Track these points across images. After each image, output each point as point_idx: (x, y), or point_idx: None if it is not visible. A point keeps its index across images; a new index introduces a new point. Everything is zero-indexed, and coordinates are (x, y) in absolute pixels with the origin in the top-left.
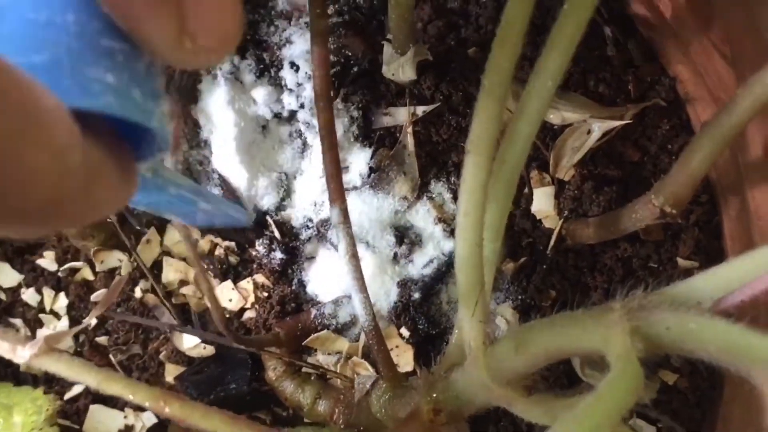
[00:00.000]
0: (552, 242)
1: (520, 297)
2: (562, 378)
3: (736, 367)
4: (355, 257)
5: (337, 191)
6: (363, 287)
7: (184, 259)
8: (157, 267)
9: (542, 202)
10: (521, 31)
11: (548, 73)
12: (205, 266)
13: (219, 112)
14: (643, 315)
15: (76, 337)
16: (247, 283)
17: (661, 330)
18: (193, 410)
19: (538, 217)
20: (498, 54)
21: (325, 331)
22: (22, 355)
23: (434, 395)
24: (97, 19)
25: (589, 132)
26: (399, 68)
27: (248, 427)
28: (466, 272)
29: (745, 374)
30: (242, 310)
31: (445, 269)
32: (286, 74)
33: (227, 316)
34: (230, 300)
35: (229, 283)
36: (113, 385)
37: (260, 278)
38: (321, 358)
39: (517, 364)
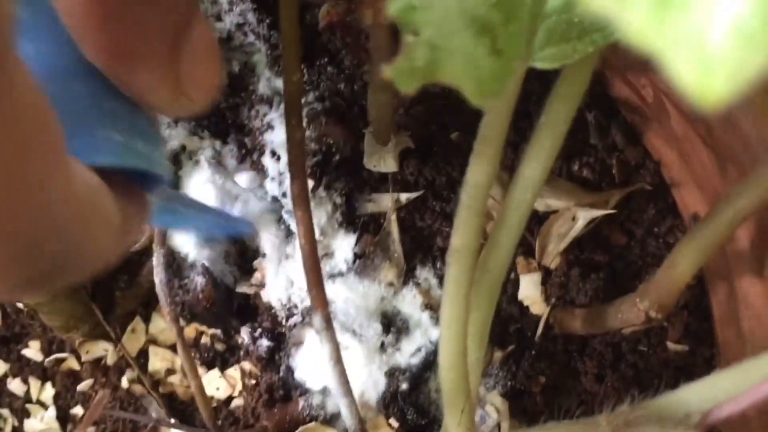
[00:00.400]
0: (540, 330)
1: (509, 383)
2: None
3: None
4: (339, 363)
5: (319, 298)
6: (348, 392)
7: (170, 347)
8: (143, 356)
9: (529, 289)
10: (498, 146)
11: (528, 184)
12: (193, 355)
13: (200, 198)
14: None
15: (63, 428)
16: (234, 371)
17: None
18: None
19: (525, 304)
20: (475, 170)
21: (314, 422)
22: None
23: None
24: (101, 86)
25: (574, 219)
26: (380, 160)
27: None
28: (450, 382)
29: None
30: (230, 398)
31: (433, 357)
32: (267, 162)
33: (214, 405)
34: (217, 389)
35: (216, 371)
36: None
37: (247, 365)
38: None
39: None
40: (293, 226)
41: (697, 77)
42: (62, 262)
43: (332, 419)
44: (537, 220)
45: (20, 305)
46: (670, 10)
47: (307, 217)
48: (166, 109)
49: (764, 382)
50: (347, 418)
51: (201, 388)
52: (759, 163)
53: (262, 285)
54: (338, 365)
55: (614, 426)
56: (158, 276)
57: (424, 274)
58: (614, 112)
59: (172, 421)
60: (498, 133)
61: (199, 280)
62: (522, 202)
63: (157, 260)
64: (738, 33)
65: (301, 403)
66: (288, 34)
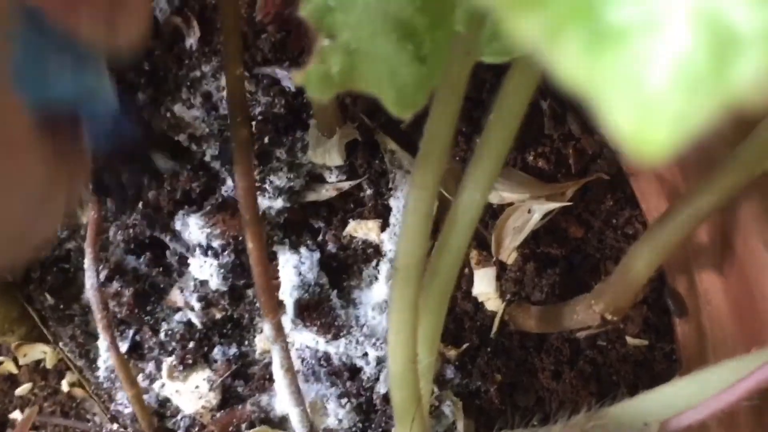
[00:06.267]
0: (495, 327)
1: (465, 382)
2: None
3: None
4: (290, 371)
5: (269, 305)
6: (300, 400)
7: None
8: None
9: (483, 284)
10: (445, 146)
11: (478, 184)
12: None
13: None
14: None
15: None
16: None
17: None
18: None
19: (480, 300)
20: (422, 171)
21: (263, 426)
22: None
23: None
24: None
25: (529, 212)
26: (325, 154)
27: None
28: (401, 391)
29: None
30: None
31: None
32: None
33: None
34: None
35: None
36: None
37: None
38: None
39: None
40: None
41: (634, 124)
42: None
43: (281, 422)
44: (492, 213)
45: None
46: (606, 46)
47: (255, 217)
48: (100, 47)
49: (724, 391)
50: (298, 427)
51: (138, 396)
52: (718, 161)
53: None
54: (289, 373)
55: None
56: (90, 280)
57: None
58: (570, 99)
59: (114, 426)
60: (444, 133)
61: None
62: (472, 203)
63: (88, 263)
64: (682, 72)
65: (249, 406)
66: (228, 27)
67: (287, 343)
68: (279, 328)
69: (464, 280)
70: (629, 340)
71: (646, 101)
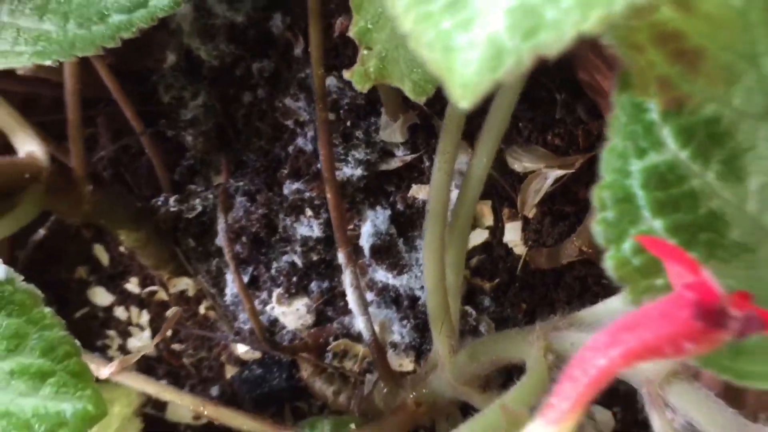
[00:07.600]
0: (520, 266)
1: (498, 309)
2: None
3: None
4: (358, 288)
5: (342, 239)
6: (365, 311)
7: None
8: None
9: (512, 234)
10: (460, 123)
11: (483, 152)
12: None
13: None
14: (554, 335)
15: (156, 344)
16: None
17: (567, 346)
18: (222, 411)
19: (509, 246)
20: (444, 141)
21: (344, 339)
22: (104, 373)
23: (416, 392)
24: None
25: (546, 178)
26: (391, 133)
27: (268, 426)
28: (433, 300)
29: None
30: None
31: None
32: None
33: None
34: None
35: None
36: (166, 395)
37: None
38: (342, 360)
39: (471, 368)
40: None
41: (459, 90)
42: None
43: (359, 336)
44: (518, 179)
45: (122, 249)
46: (454, 53)
47: (332, 175)
48: None
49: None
50: (364, 332)
51: (254, 310)
52: None
53: None
54: (357, 290)
55: (545, 331)
56: (221, 225)
57: None
58: (580, 93)
59: (237, 337)
60: (458, 114)
61: None
62: (480, 165)
63: (220, 214)
64: (484, 63)
65: (335, 325)
66: (315, 41)
67: (356, 268)
68: (350, 257)
69: (498, 231)
70: None
71: (465, 79)
